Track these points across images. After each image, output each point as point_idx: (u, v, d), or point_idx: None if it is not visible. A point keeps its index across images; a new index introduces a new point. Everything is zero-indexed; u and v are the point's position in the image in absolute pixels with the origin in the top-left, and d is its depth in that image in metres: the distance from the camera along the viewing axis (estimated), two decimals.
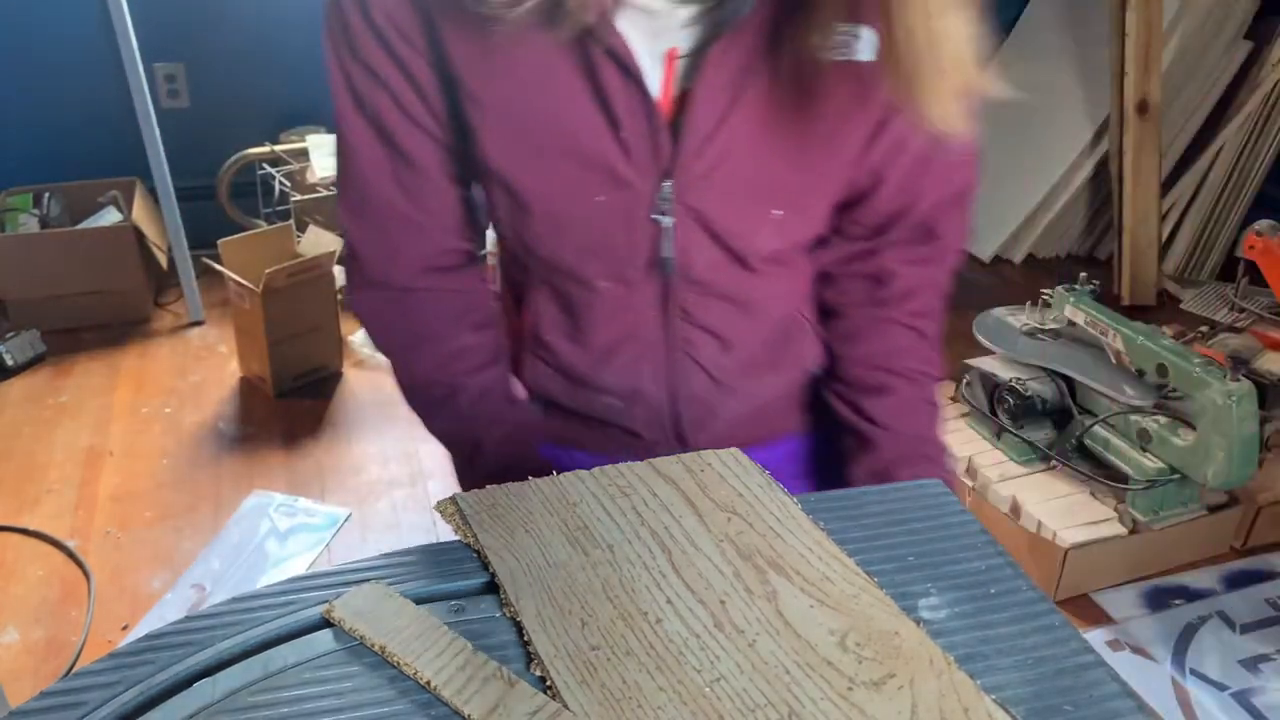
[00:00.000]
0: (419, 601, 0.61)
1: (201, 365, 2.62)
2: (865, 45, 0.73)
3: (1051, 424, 2.09)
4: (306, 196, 2.81)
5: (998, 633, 0.61)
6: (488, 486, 0.70)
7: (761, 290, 0.86)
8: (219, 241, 2.51)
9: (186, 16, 2.85)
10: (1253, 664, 1.76)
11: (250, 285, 2.38)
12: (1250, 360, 2.17)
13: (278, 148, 2.86)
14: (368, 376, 2.58)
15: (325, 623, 0.60)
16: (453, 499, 0.69)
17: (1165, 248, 3.07)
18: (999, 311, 2.22)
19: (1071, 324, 2.09)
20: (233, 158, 2.88)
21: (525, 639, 0.58)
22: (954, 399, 2.31)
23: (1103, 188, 3.12)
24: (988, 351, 2.16)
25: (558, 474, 0.72)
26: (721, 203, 0.79)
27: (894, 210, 0.86)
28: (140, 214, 2.76)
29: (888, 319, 0.90)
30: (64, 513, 2.06)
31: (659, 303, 0.84)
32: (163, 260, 2.83)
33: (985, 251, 3.23)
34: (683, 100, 0.75)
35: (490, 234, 0.89)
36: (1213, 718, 1.65)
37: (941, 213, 0.87)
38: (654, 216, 0.79)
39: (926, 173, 0.84)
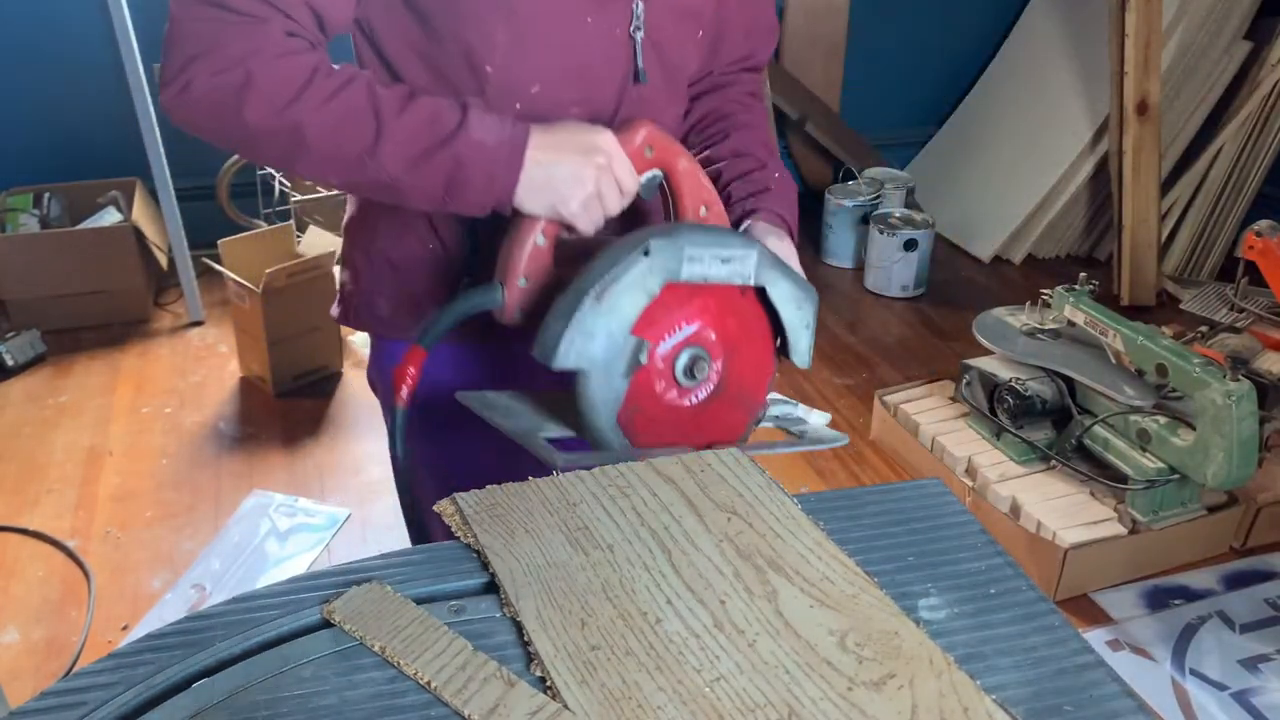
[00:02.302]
0: (419, 601, 0.61)
1: (201, 365, 2.62)
2: None
3: (1051, 424, 2.09)
4: (306, 196, 2.80)
5: (998, 633, 0.61)
6: (487, 487, 0.70)
7: (671, 114, 0.99)
8: (219, 241, 2.51)
9: None
10: (1252, 664, 1.76)
11: (250, 285, 2.38)
12: (1250, 360, 2.17)
13: None
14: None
15: (325, 623, 0.60)
16: (453, 499, 0.69)
17: (1165, 248, 3.06)
18: (999, 311, 2.22)
19: (1071, 324, 2.09)
20: (232, 158, 2.88)
21: (525, 639, 0.58)
22: (954, 399, 2.31)
23: (1103, 188, 3.12)
24: (987, 351, 2.16)
25: (557, 474, 0.72)
26: (667, 20, 0.91)
27: (732, 51, 1.03)
28: (140, 214, 2.76)
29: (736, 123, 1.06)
30: (64, 513, 2.06)
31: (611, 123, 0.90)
32: (163, 260, 2.83)
33: (985, 251, 3.23)
34: None
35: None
36: (1213, 718, 1.65)
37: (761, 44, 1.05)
38: (632, 32, 0.89)
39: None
